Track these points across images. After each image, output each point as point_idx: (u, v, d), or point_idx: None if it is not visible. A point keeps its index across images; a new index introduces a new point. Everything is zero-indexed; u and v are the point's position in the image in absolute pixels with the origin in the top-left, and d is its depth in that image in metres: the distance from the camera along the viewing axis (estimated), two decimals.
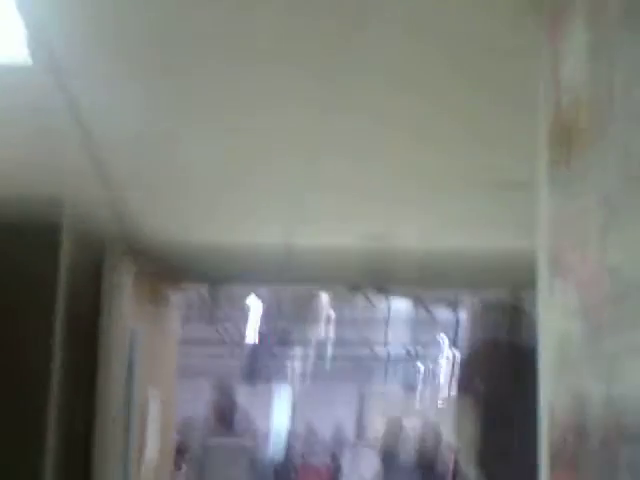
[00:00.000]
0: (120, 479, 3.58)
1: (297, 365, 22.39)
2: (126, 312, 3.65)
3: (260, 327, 15.71)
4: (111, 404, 3.50)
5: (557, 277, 1.65)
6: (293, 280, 4.66)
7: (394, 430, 13.77)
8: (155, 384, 4.05)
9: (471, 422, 2.79)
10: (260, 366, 20.88)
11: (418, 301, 14.40)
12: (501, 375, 2.92)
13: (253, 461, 8.32)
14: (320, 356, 19.35)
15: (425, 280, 4.64)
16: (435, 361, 21.12)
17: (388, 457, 13.24)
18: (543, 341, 1.71)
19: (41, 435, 3.31)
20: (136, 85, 2.35)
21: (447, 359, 20.63)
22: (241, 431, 8.24)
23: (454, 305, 15.00)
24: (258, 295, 13.38)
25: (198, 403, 8.89)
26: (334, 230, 4.10)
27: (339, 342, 17.84)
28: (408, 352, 19.70)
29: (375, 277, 4.54)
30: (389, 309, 15.40)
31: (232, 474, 7.89)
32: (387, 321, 14.95)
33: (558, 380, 1.59)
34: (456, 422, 2.85)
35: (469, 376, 3.00)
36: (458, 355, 20.04)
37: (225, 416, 8.18)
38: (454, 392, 2.95)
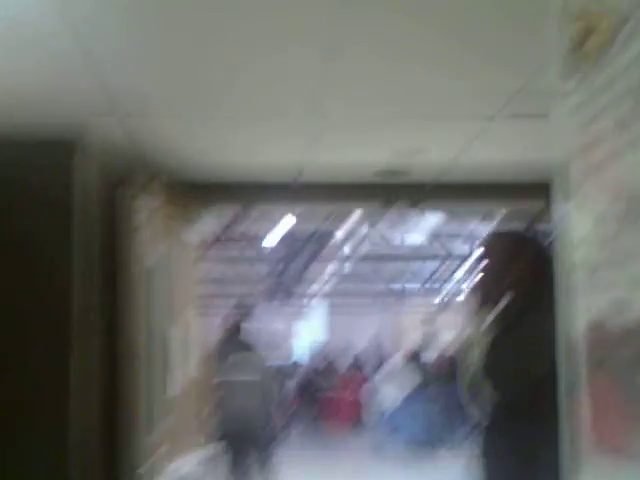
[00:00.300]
0: (145, 414, 3.65)
1: (330, 281, 22.57)
2: (143, 250, 3.68)
3: (291, 244, 15.78)
4: (133, 338, 3.55)
5: (578, 191, 1.67)
6: (323, 197, 4.64)
7: (427, 342, 13.89)
8: (176, 321, 4.10)
9: (488, 333, 2.78)
10: (292, 283, 21.06)
11: (452, 215, 14.41)
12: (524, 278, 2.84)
13: (277, 378, 8.42)
14: (353, 272, 19.48)
15: (458, 194, 4.60)
16: (469, 273, 21.16)
17: (422, 369, 13.42)
18: (562, 254, 1.73)
19: (64, 373, 3.37)
20: (149, 4, 2.33)
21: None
22: (263, 347, 8.52)
23: (488, 217, 14.97)
24: (289, 213, 13.42)
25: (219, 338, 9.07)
26: (366, 145, 4.06)
27: (372, 257, 17.91)
28: (442, 266, 19.80)
29: (408, 191, 4.52)
30: (422, 224, 15.40)
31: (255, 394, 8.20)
32: (421, 236, 14.98)
33: (590, 290, 1.61)
34: (474, 333, 2.84)
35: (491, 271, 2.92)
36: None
37: (240, 333, 8.44)
38: (476, 300, 2.89)
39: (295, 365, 23.12)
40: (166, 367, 3.91)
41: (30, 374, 3.38)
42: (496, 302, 2.84)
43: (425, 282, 19.79)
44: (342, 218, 4.44)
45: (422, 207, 4.77)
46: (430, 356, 13.88)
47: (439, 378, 14.68)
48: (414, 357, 13.99)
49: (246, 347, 8.49)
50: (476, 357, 2.75)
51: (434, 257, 14.91)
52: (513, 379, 2.67)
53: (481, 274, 2.93)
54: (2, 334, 3.38)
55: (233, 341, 8.45)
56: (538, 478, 2.55)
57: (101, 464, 3.68)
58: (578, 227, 1.68)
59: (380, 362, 25.58)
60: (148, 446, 3.63)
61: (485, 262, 2.91)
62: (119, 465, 3.51)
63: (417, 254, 14.90)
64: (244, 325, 8.63)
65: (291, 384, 19.68)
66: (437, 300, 22.87)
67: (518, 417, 2.64)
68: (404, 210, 4.59)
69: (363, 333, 27.15)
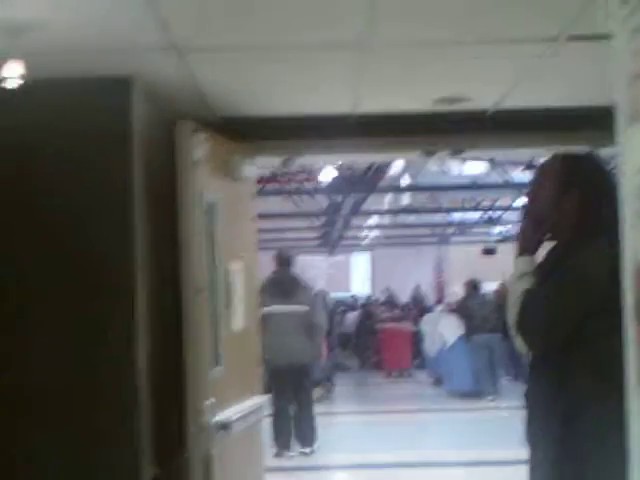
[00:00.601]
0: (211, 347, 3.72)
1: (374, 233, 22.61)
2: (202, 184, 3.71)
3: (335, 197, 15.84)
4: (195, 275, 3.61)
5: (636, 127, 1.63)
6: (365, 148, 4.64)
7: (472, 293, 13.90)
8: (237, 255, 4.14)
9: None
10: (337, 235, 21.15)
11: (494, 164, 14.27)
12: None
13: (335, 311, 8.62)
14: (397, 223, 19.48)
15: (501, 141, 4.58)
16: (513, 224, 21.03)
17: (467, 319, 13.42)
18: (624, 188, 1.70)
19: (130, 312, 3.45)
20: None
21: None
22: (303, 299, 8.63)
23: (531, 167, 14.81)
24: (332, 165, 13.43)
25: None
26: (404, 95, 4.05)
27: (415, 209, 17.89)
28: (485, 216, 19.66)
29: (450, 141, 4.50)
30: (464, 173, 15.29)
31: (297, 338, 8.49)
32: (463, 186, 14.88)
33: None
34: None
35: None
36: None
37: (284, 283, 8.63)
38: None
39: (354, 298, 23.35)
40: (229, 302, 3.97)
41: (97, 310, 3.47)
42: (540, 240, 2.73)
43: (485, 212, 19.63)
44: (398, 151, 4.40)
45: (465, 156, 4.73)
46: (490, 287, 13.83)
47: (499, 309, 14.66)
48: (474, 287, 13.95)
49: (296, 280, 8.75)
50: (513, 308, 2.67)
51: (494, 186, 14.73)
52: (543, 339, 2.60)
53: (528, 208, 2.79)
54: (67, 270, 3.46)
55: (284, 274, 8.71)
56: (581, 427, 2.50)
57: (169, 397, 3.78)
58: None
59: (439, 293, 25.67)
60: (214, 380, 3.71)
61: (536, 189, 2.77)
62: (186, 398, 3.60)
63: (476, 183, 14.75)
64: (290, 256, 8.84)
65: (351, 316, 19.89)
66: (497, 230, 22.72)
67: (555, 367, 2.58)
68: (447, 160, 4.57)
69: (422, 265, 27.17)
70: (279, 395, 8.64)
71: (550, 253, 2.74)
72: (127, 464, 3.42)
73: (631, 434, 1.70)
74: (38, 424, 3.45)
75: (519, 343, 2.66)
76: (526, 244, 2.72)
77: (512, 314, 2.65)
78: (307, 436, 8.92)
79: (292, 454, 8.83)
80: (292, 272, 8.76)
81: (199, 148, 3.65)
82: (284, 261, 8.71)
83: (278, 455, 8.65)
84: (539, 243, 2.74)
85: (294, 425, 8.89)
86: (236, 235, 4.18)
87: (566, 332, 2.52)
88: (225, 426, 3.65)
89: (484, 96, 4.08)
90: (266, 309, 8.17)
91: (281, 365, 8.46)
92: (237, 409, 3.91)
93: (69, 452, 3.44)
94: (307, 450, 8.90)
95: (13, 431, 3.43)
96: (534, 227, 2.73)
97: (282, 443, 8.75)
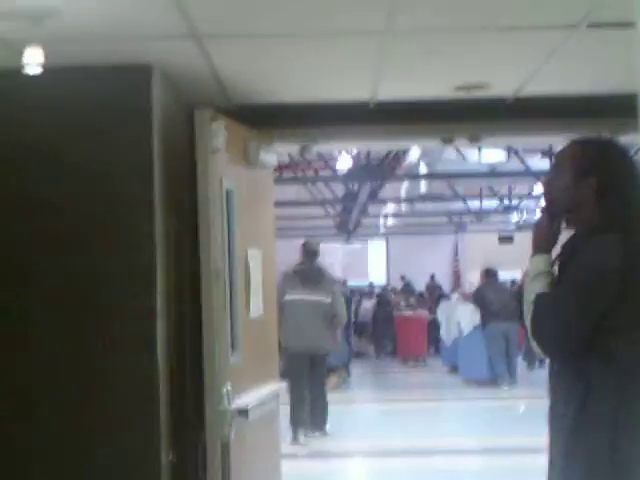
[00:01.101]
0: (228, 331, 3.73)
1: (390, 221, 22.57)
2: (221, 171, 3.71)
3: (352, 185, 15.82)
4: (214, 261, 3.62)
5: None
6: (383, 135, 4.63)
7: (489, 281, 13.86)
8: (255, 242, 4.15)
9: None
10: (353, 223, 21.13)
11: (512, 151, 14.20)
12: None
13: (353, 299, 8.91)
14: (413, 211, 19.43)
15: (520, 129, 4.55)
16: (531, 211, 20.96)
17: (483, 307, 13.39)
18: None
19: (149, 296, 3.46)
20: None
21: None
22: (324, 286, 8.89)
23: (549, 154, 14.73)
24: (349, 153, 13.41)
25: (295, 260, 9.34)
26: (424, 82, 4.03)
27: (432, 197, 17.83)
28: (503, 204, 19.58)
29: (467, 128, 4.49)
30: (482, 161, 15.23)
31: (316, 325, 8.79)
32: (480, 174, 14.81)
33: None
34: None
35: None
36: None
37: (313, 255, 8.99)
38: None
39: (371, 285, 23.34)
40: (248, 288, 3.98)
41: (114, 295, 3.48)
42: (556, 233, 2.64)
43: (503, 199, 19.56)
44: (416, 138, 4.39)
45: (483, 143, 4.71)
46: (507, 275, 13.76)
47: (516, 297, 14.61)
48: (491, 275, 13.91)
49: (321, 271, 9.05)
50: (527, 312, 2.60)
51: (512, 174, 14.66)
52: (558, 347, 2.51)
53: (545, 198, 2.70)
54: (85, 256, 3.48)
55: (310, 265, 8.96)
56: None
57: (187, 383, 3.80)
58: None
59: (456, 281, 25.62)
60: (232, 366, 3.72)
61: (553, 176, 2.68)
62: (204, 383, 3.61)
63: (494, 171, 14.68)
64: (317, 247, 9.08)
65: (368, 304, 19.89)
66: (514, 218, 22.63)
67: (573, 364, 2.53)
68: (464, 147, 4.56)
69: (439, 253, 27.12)
70: (297, 381, 8.81)
71: (566, 245, 2.65)
72: (145, 449, 3.44)
73: None
74: (55, 409, 3.47)
75: (535, 348, 2.59)
76: (541, 241, 2.62)
77: (527, 318, 2.57)
78: (319, 421, 9.15)
79: (306, 438, 9.01)
80: (317, 263, 9.02)
81: (218, 135, 3.65)
82: (310, 252, 8.96)
83: (295, 440, 8.81)
84: (555, 238, 2.64)
85: (311, 410, 9.09)
86: (254, 222, 4.18)
87: (581, 337, 2.43)
88: (243, 412, 3.66)
89: (504, 83, 4.06)
90: (289, 297, 8.65)
91: (299, 352, 8.71)
92: (255, 395, 3.92)
93: (87, 437, 3.46)
94: (317, 434, 9.11)
95: (29, 416, 3.46)
96: (550, 219, 2.63)
97: (298, 428, 8.90)
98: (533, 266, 2.61)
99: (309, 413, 9.08)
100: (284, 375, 8.09)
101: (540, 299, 2.53)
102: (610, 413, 2.41)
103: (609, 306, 2.41)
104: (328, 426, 9.20)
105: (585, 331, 2.43)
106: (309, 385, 9.03)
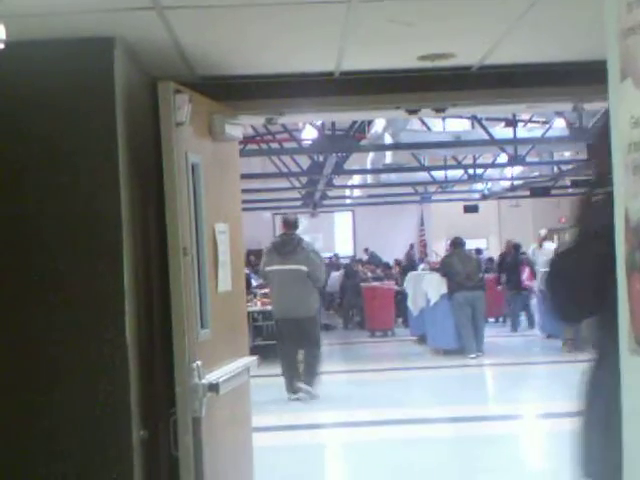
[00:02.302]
0: (197, 307, 3.72)
1: (356, 192, 22.59)
2: (185, 145, 3.68)
3: (317, 157, 15.79)
4: (180, 236, 3.59)
5: (626, 81, 1.62)
6: (348, 106, 4.61)
7: (455, 251, 13.94)
8: (223, 216, 4.12)
9: None
10: (319, 195, 21.12)
11: (475, 120, 14.23)
12: None
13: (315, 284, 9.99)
14: (379, 182, 19.46)
15: (484, 98, 4.55)
16: (494, 181, 21.08)
17: (449, 277, 13.47)
18: (615, 143, 1.69)
19: (117, 272, 3.43)
20: None
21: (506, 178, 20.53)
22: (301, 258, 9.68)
23: (512, 123, 14.79)
24: (313, 125, 13.37)
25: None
26: (389, 52, 4.01)
27: (397, 167, 17.86)
28: (467, 173, 19.67)
29: (432, 98, 4.48)
30: (446, 129, 15.26)
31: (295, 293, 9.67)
32: (445, 143, 14.85)
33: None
34: None
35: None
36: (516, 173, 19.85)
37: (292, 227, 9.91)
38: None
39: (336, 257, 23.41)
40: (216, 263, 3.96)
41: (81, 272, 3.45)
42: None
43: (467, 169, 19.64)
44: (381, 108, 4.35)
45: (447, 113, 4.69)
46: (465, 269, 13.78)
47: (480, 266, 14.72)
48: (459, 244, 13.99)
49: (295, 240, 9.82)
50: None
51: (476, 142, 14.71)
52: (573, 305, 2.53)
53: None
54: (50, 233, 3.44)
55: (289, 236, 9.83)
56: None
57: (157, 359, 3.78)
58: (635, 106, 1.64)
59: (422, 251, 25.75)
60: (201, 342, 3.71)
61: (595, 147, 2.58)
62: (174, 359, 3.60)
63: (459, 140, 14.72)
64: (294, 220, 10.02)
65: (335, 275, 19.95)
66: (480, 187, 22.76)
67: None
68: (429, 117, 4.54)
69: (406, 223, 27.22)
70: (284, 344, 9.90)
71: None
72: (116, 425, 3.43)
73: (625, 407, 1.70)
74: (23, 389, 3.44)
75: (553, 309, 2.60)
76: (582, 214, 2.59)
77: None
78: (307, 379, 9.94)
79: (297, 396, 9.84)
80: (296, 235, 9.87)
81: (182, 108, 3.61)
82: (289, 225, 9.90)
83: (289, 389, 9.87)
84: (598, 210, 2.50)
85: (303, 367, 10.02)
86: (221, 196, 4.15)
87: (590, 295, 2.37)
88: (213, 386, 3.65)
89: (468, 52, 4.05)
90: (268, 268, 9.81)
91: (283, 317, 9.81)
92: (225, 369, 3.91)
93: (56, 416, 3.43)
94: (310, 389, 9.88)
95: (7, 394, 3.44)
96: (592, 191, 2.56)
97: (292, 381, 9.86)
98: (569, 238, 2.62)
99: (303, 370, 9.98)
100: (276, 337, 10.19)
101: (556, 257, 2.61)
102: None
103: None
104: (316, 387, 9.94)
105: (591, 291, 2.37)
106: (303, 345, 9.91)
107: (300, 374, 9.92)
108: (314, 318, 9.91)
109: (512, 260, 17.14)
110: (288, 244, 9.69)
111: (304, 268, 9.53)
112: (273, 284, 9.90)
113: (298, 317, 9.60)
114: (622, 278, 1.69)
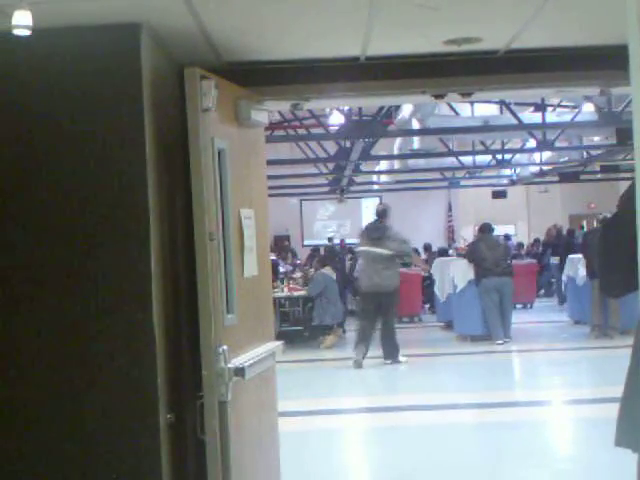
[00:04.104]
0: (223, 292, 3.74)
1: (383, 178, 22.54)
2: (212, 130, 3.69)
3: (344, 143, 15.76)
4: (207, 222, 3.61)
5: None
6: (374, 91, 4.60)
7: (483, 236, 13.89)
8: (248, 202, 4.14)
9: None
10: (346, 181, 21.10)
11: (504, 105, 14.13)
12: None
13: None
14: (406, 168, 19.40)
15: (512, 82, 4.53)
16: (523, 166, 20.94)
17: (477, 263, 13.42)
18: (637, 128, 1.68)
19: (144, 258, 3.46)
20: None
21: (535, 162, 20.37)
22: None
23: (540, 108, 14.66)
24: (340, 110, 13.34)
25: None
26: (415, 36, 4.00)
27: (425, 153, 17.79)
28: (495, 159, 19.55)
29: (460, 82, 4.46)
30: (475, 114, 15.16)
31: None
32: (473, 128, 14.77)
33: None
34: None
35: None
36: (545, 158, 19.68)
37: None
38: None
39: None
40: (242, 249, 3.98)
41: (110, 256, 3.48)
42: None
43: (495, 154, 19.52)
44: (407, 93, 4.34)
45: (474, 98, 4.66)
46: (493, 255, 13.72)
47: (509, 252, 14.62)
48: (488, 230, 13.93)
49: (382, 227, 11.74)
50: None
51: (505, 127, 14.61)
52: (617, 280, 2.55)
53: None
54: (78, 219, 3.48)
55: (374, 222, 12.00)
56: None
57: (184, 344, 3.81)
58: None
59: (450, 237, 25.66)
60: (227, 326, 3.73)
61: None
62: (202, 343, 3.62)
63: (487, 125, 14.63)
64: (383, 210, 11.89)
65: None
66: (508, 172, 22.61)
67: None
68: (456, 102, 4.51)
69: (434, 209, 27.13)
70: (366, 315, 11.79)
71: None
72: (143, 410, 3.46)
73: None
74: (51, 372, 3.48)
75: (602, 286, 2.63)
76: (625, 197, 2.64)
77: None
78: (386, 352, 11.67)
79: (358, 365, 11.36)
80: (383, 222, 11.79)
81: (208, 94, 3.63)
82: (377, 214, 11.98)
83: (356, 349, 11.53)
84: None
85: (380, 341, 11.79)
86: (247, 181, 4.17)
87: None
88: (239, 371, 3.68)
89: (495, 37, 4.03)
90: (359, 248, 12.22)
91: (367, 292, 11.71)
92: (251, 354, 3.94)
93: (84, 399, 3.47)
94: (389, 362, 11.59)
95: (24, 378, 3.48)
96: None
97: (359, 344, 11.52)
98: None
99: (381, 343, 11.78)
100: (359, 311, 12.51)
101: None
102: None
103: None
104: (402, 358, 11.67)
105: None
106: (381, 319, 11.64)
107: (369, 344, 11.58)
108: (392, 293, 11.61)
109: (566, 245, 17.45)
110: (376, 230, 11.68)
111: (387, 252, 11.43)
112: (361, 263, 12.15)
113: (379, 292, 11.36)
114: None
